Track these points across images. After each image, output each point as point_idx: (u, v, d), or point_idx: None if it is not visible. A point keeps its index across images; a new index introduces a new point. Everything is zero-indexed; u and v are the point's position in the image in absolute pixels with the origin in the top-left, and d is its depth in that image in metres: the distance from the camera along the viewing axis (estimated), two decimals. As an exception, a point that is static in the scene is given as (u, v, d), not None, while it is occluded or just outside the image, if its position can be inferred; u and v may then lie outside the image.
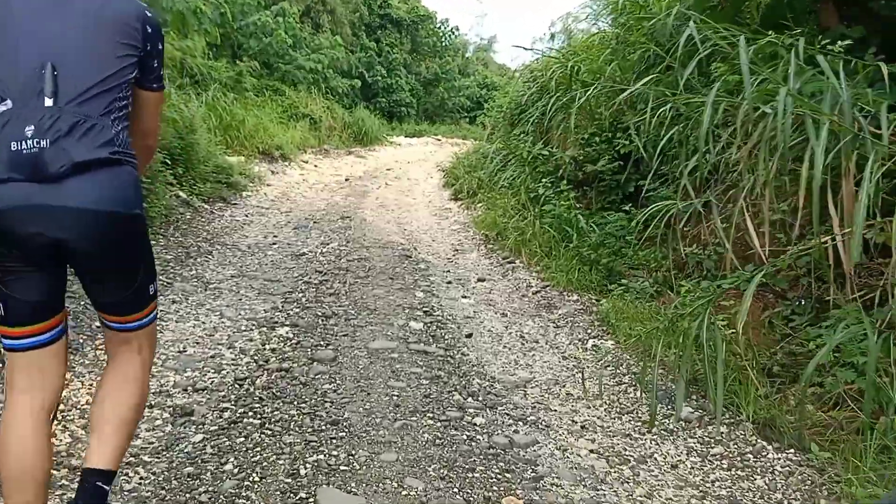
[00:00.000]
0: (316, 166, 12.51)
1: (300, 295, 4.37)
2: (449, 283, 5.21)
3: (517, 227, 6.37)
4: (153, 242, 2.73)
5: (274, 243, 6.01)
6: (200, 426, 2.50)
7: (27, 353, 1.43)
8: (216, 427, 2.49)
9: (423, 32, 23.34)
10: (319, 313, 3.97)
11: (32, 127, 1.28)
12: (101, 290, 1.52)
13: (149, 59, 1.52)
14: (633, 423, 2.87)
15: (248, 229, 6.64)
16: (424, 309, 4.29)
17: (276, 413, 2.64)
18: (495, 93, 27.02)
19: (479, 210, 8.87)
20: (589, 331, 4.15)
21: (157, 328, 1.98)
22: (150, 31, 1.50)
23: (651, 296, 4.51)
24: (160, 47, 1.55)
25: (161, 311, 3.48)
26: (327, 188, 10.37)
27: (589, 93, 6.42)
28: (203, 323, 3.71)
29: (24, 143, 1.27)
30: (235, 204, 7.82)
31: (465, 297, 4.80)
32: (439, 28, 24.58)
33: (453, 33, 25.19)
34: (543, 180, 6.81)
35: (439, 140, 21.41)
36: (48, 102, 1.31)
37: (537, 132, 9.98)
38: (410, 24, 22.53)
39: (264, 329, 3.65)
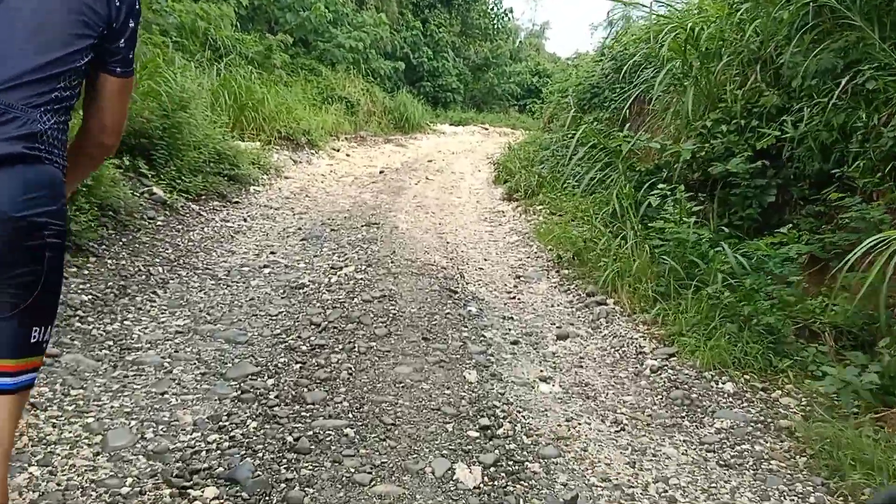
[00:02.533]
0: (348, 155, 10.69)
1: (268, 382, 2.51)
2: (515, 343, 3.28)
3: (608, 249, 4.37)
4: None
5: (266, 266, 4.19)
6: None
7: None
8: None
9: (475, 13, 21.16)
10: (286, 440, 2.09)
11: None
12: None
13: (114, 37, 1.20)
14: None
15: (240, 241, 4.85)
16: (481, 415, 2.38)
17: None
18: (549, 79, 24.71)
19: (541, 214, 6.89)
20: (794, 478, 2.15)
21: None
22: (118, 4, 1.19)
23: (873, 396, 2.50)
24: (132, 25, 1.22)
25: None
26: (357, 182, 8.53)
27: (720, 63, 4.40)
28: (51, 469, 1.89)
29: None
30: (236, 203, 6.06)
31: (544, 378, 2.86)
32: (492, 9, 22.36)
33: (506, 15, 22.90)
34: (646, 183, 4.78)
35: (486, 129, 19.35)
36: None
37: (614, 119, 7.93)
38: (462, 3, 20.39)
39: (164, 492, 1.80)
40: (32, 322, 1.09)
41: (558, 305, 4.04)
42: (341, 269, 4.21)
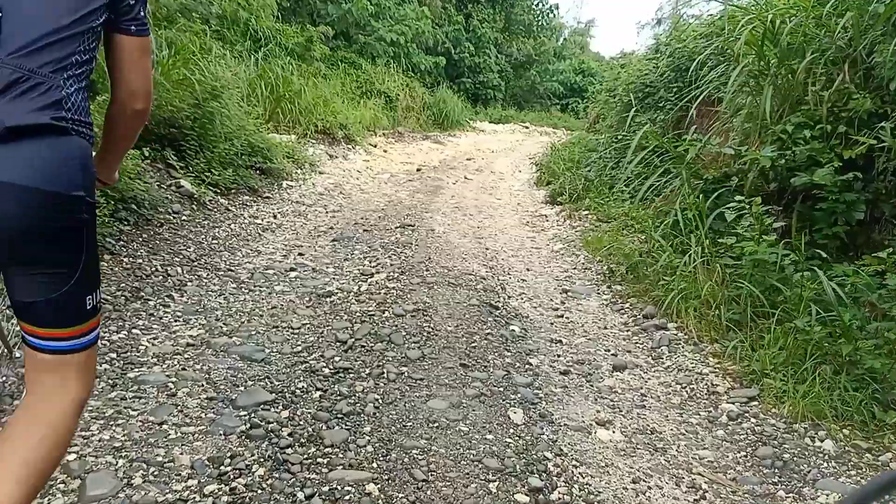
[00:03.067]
0: (385, 151, 10.38)
1: (283, 414, 2.15)
2: (565, 373, 2.85)
3: (669, 265, 3.89)
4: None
5: (292, 269, 3.85)
6: None
7: None
8: None
9: (519, 9, 20.60)
10: (297, 497, 1.71)
11: None
12: (24, 286, 1.09)
13: None
14: None
15: (268, 240, 4.54)
16: (530, 471, 1.97)
17: None
18: (593, 79, 23.95)
19: (587, 220, 6.42)
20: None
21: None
22: None
23: None
24: None
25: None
26: (393, 180, 8.19)
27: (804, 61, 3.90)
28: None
29: None
30: (268, 198, 5.77)
31: (602, 421, 2.42)
32: (537, 5, 21.74)
33: (552, 12, 22.24)
34: (713, 192, 4.27)
35: (527, 128, 18.85)
36: None
37: (671, 121, 7.39)
38: (505, -2, 19.93)
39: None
40: (86, 290, 1.14)
41: (612, 327, 3.59)
42: (372, 275, 3.85)
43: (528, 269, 4.67)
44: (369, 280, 3.74)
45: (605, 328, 3.58)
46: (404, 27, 14.96)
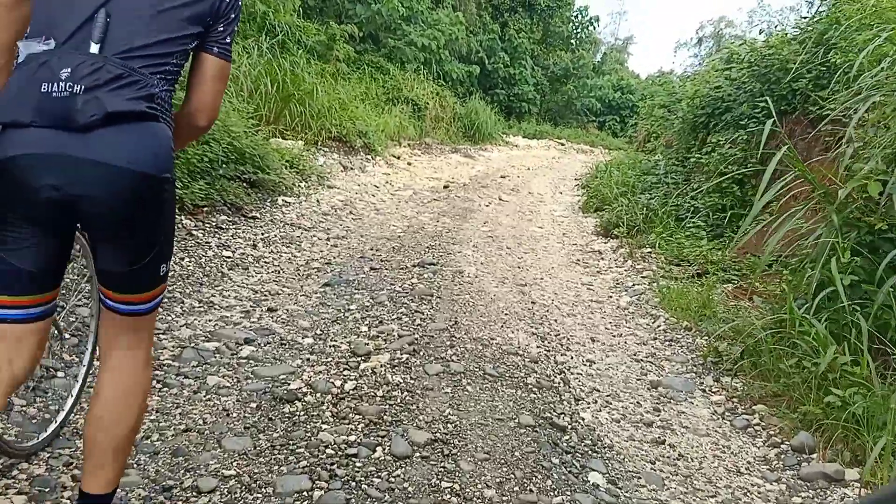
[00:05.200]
0: (409, 164, 9.06)
1: None
2: None
3: (834, 367, 2.43)
4: None
5: (248, 341, 2.49)
6: None
7: (8, 325, 1.16)
8: None
9: (558, 20, 19.21)
10: None
11: (69, 70, 1.06)
12: (112, 256, 1.18)
13: (218, 24, 1.25)
14: None
15: (231, 284, 3.20)
16: None
17: None
18: (631, 96, 22.40)
19: (654, 261, 5.00)
20: None
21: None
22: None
23: None
24: (233, 16, 1.27)
25: None
26: (416, 198, 6.85)
27: None
28: None
29: (56, 84, 1.05)
30: (252, 219, 4.46)
31: None
32: (576, 16, 20.29)
33: (591, 25, 20.74)
34: (878, 249, 2.81)
35: (563, 144, 17.41)
36: (93, 49, 1.09)
37: (753, 142, 5.92)
38: (545, 9, 18.48)
39: None
40: (160, 261, 1.22)
41: (748, 468, 2.16)
42: (368, 357, 2.47)
43: (592, 340, 3.25)
44: (362, 366, 2.37)
45: (739, 470, 2.14)
46: (437, 32, 13.72)
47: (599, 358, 3.00)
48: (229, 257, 3.58)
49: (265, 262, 3.71)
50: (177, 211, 3.50)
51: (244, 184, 4.73)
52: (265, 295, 3.13)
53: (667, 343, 3.35)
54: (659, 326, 3.61)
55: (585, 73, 20.42)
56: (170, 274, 1.34)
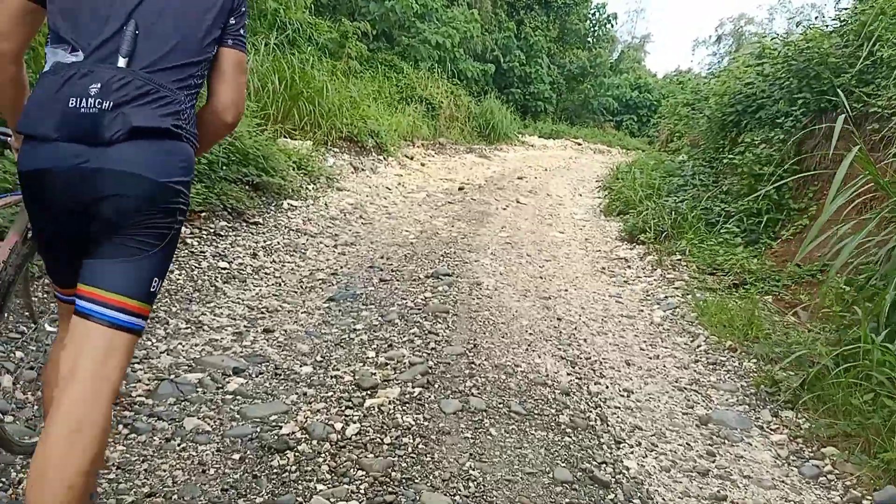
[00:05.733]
0: (423, 164, 8.73)
1: None
2: None
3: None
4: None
5: (237, 372, 2.17)
6: None
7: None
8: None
9: (575, 17, 18.72)
10: None
11: (98, 86, 1.07)
12: (110, 249, 1.13)
13: (230, 17, 1.25)
14: None
15: (225, 299, 2.88)
16: None
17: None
18: (649, 95, 21.82)
19: (685, 270, 4.61)
20: None
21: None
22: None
23: None
24: (244, 9, 1.28)
25: None
26: (430, 201, 6.50)
27: None
28: None
29: (84, 100, 1.06)
30: (255, 224, 4.15)
31: None
32: (593, 14, 19.79)
33: (609, 22, 20.19)
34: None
35: (580, 144, 16.96)
36: (121, 63, 1.10)
37: (789, 141, 5.50)
38: (562, 6, 18.00)
39: None
40: (155, 272, 1.16)
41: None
42: (375, 390, 2.13)
43: (627, 364, 2.88)
44: (367, 403, 2.03)
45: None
46: (451, 30, 13.35)
47: (637, 386, 2.64)
48: (225, 269, 3.26)
49: (265, 274, 3.39)
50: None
51: (247, 187, 4.42)
52: (262, 312, 2.80)
53: (710, 367, 2.96)
54: (699, 346, 3.22)
55: (602, 72, 19.90)
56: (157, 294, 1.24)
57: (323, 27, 9.22)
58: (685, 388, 2.68)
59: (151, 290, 1.16)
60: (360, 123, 7.40)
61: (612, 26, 20.76)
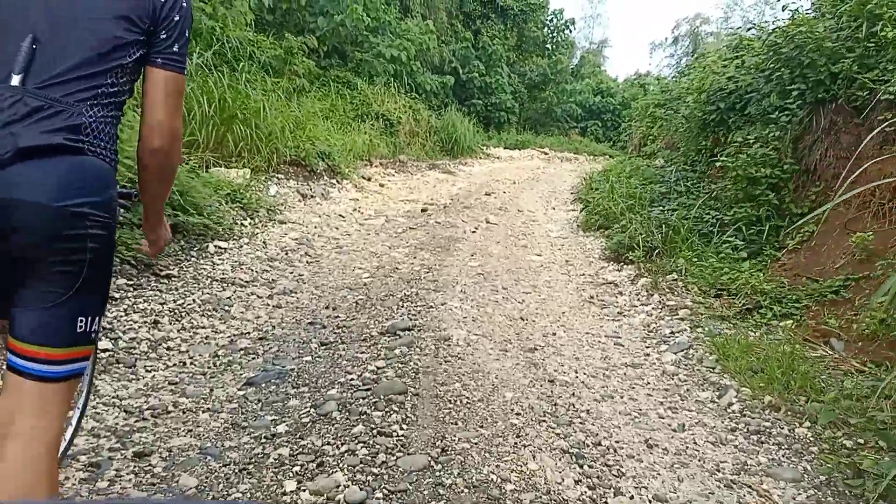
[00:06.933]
0: (382, 186, 7.95)
1: None
2: None
3: None
4: None
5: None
6: None
7: None
8: None
9: (532, 25, 18.29)
10: None
11: None
12: (23, 297, 1.02)
13: (159, 30, 1.13)
14: None
15: (98, 398, 2.05)
16: None
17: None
18: (612, 99, 21.54)
19: (685, 294, 3.96)
20: None
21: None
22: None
23: None
24: (175, 18, 1.14)
25: None
26: (389, 227, 5.73)
27: None
28: None
29: None
30: (166, 278, 3.30)
31: None
32: (551, 20, 19.38)
33: (567, 28, 19.80)
34: None
35: (546, 154, 16.45)
36: (14, 81, 1.02)
37: (786, 138, 4.92)
38: (518, 13, 17.54)
39: None
40: (78, 312, 1.04)
41: None
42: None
43: (648, 446, 2.14)
44: None
45: None
46: (407, 42, 12.69)
47: (670, 487, 1.89)
48: (108, 350, 2.41)
49: (166, 350, 2.55)
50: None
51: (157, 231, 3.57)
52: (145, 419, 1.97)
53: (755, 439, 2.25)
54: (731, 406, 2.51)
55: (564, 79, 19.51)
56: (96, 339, 1.06)
57: (266, 44, 8.42)
58: (733, 484, 1.94)
59: (79, 331, 1.03)
60: (307, 145, 6.60)
61: (571, 32, 20.45)
